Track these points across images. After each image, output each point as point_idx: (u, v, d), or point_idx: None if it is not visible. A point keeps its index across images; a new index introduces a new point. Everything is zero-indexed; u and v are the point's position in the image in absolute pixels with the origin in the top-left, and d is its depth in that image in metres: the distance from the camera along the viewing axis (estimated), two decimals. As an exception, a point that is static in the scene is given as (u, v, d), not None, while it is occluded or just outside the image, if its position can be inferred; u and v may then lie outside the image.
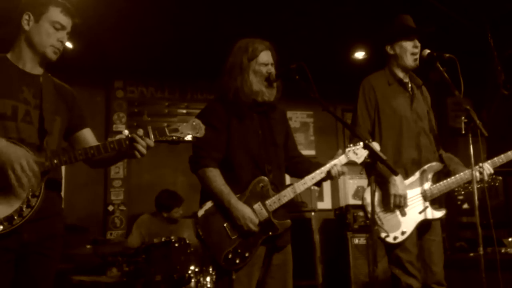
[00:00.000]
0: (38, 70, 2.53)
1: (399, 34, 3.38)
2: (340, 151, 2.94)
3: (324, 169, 2.88)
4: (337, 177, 2.91)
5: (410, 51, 3.35)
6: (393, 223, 3.21)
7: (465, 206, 6.70)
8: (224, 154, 2.86)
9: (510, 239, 4.81)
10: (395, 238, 3.19)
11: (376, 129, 3.37)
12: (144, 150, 2.37)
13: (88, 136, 2.70)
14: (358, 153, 2.90)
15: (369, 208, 3.22)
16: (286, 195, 2.83)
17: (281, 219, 2.83)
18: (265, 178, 2.84)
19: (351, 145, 2.92)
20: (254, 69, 2.89)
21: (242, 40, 2.99)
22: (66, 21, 2.50)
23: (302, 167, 3.04)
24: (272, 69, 2.91)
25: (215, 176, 2.79)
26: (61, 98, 2.60)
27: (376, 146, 2.78)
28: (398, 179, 3.14)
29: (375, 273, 2.60)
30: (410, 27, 3.38)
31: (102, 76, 6.61)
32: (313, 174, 2.87)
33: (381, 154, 2.64)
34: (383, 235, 3.18)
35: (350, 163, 2.93)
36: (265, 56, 2.92)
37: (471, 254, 4.88)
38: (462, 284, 4.34)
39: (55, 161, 2.33)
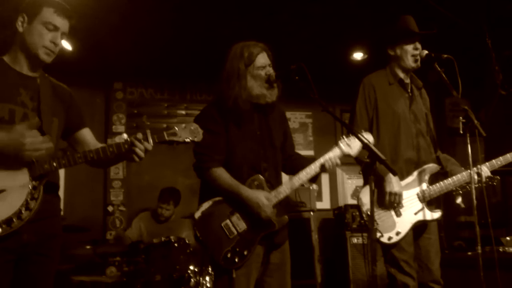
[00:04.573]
0: (34, 72, 2.51)
1: (400, 37, 3.39)
2: (334, 145, 2.93)
3: (317, 163, 2.87)
4: (331, 169, 2.89)
5: (410, 53, 3.37)
6: (388, 224, 3.23)
7: (463, 205, 6.71)
8: (226, 156, 2.88)
9: (508, 238, 4.82)
10: (389, 238, 3.21)
11: (374, 128, 3.38)
12: (142, 154, 2.41)
13: (87, 136, 2.71)
14: (351, 144, 2.89)
15: (364, 208, 3.24)
16: (282, 191, 2.85)
17: (278, 215, 2.84)
18: (260, 176, 2.86)
19: (344, 136, 2.92)
20: (253, 74, 2.89)
21: (236, 45, 2.98)
22: (59, 21, 2.47)
23: (298, 163, 3.04)
24: (270, 70, 2.92)
25: (221, 174, 2.82)
26: (59, 99, 2.60)
27: (370, 137, 2.79)
28: (393, 177, 3.16)
29: (374, 272, 2.61)
30: (412, 30, 3.38)
31: (101, 77, 6.61)
32: (307, 169, 2.87)
33: (380, 154, 2.65)
34: (377, 235, 3.19)
35: (350, 164, 2.93)
36: (262, 59, 2.92)
37: (469, 253, 4.90)
38: (461, 283, 4.35)
39: (54, 164, 2.34)
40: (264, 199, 2.77)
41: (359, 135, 2.69)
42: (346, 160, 2.94)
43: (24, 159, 2.25)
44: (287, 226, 2.94)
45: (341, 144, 2.90)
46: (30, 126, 2.27)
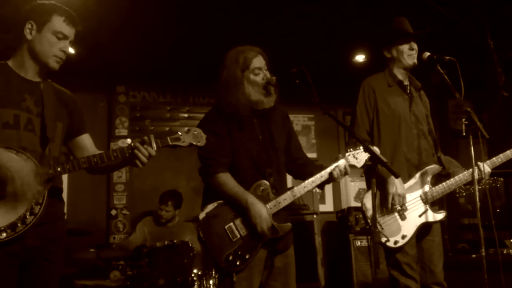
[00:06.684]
0: (39, 78, 2.53)
1: (395, 38, 3.40)
2: (340, 155, 2.95)
3: (324, 173, 2.89)
4: (340, 179, 2.91)
5: (407, 53, 3.38)
6: (393, 228, 3.21)
7: (467, 205, 6.70)
8: (231, 158, 2.88)
9: (512, 240, 4.82)
10: (395, 242, 3.20)
11: (374, 130, 3.38)
12: (145, 160, 2.42)
13: (86, 142, 2.72)
14: (358, 157, 2.91)
15: (368, 213, 3.23)
16: (286, 198, 2.84)
17: (281, 222, 2.84)
18: (266, 181, 2.86)
19: (351, 149, 2.92)
20: (250, 80, 2.89)
21: (231, 51, 2.99)
22: (69, 30, 2.49)
23: (305, 170, 3.05)
24: (267, 74, 2.92)
25: (227, 180, 2.82)
26: (62, 104, 2.61)
27: (376, 149, 2.79)
28: (396, 179, 3.15)
29: (377, 275, 2.60)
30: (405, 31, 3.39)
31: (104, 81, 6.62)
32: (313, 178, 2.88)
33: (381, 157, 2.65)
34: (383, 240, 3.19)
35: (351, 166, 2.94)
36: (257, 62, 2.92)
37: (473, 256, 4.88)
38: (464, 286, 4.33)
39: (59, 169, 2.35)
40: (265, 212, 2.76)
41: (360, 136, 2.69)
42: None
43: (6, 188, 2.24)
44: (292, 232, 2.93)
45: (348, 156, 2.91)
46: (39, 173, 2.30)
